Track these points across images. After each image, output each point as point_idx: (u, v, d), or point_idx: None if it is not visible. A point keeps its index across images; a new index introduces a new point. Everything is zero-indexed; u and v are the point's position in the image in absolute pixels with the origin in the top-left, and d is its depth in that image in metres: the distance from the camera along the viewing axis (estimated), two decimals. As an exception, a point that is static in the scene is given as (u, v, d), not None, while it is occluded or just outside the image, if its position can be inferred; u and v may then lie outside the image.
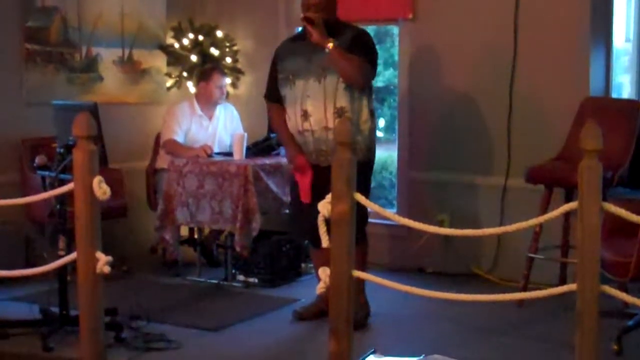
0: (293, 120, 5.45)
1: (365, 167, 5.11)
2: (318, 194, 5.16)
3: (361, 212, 4.78)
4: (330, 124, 5.30)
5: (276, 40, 6.64)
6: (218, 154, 6.91)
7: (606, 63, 6.52)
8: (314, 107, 5.36)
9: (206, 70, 7.25)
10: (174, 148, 6.93)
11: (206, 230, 7.06)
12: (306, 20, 5.32)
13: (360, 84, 5.34)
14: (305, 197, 5.50)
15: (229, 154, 6.75)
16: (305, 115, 5.38)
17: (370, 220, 5.56)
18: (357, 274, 3.89)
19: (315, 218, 3.87)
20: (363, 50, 5.35)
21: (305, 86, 5.38)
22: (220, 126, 7.21)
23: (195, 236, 7.12)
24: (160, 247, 6.92)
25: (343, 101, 5.33)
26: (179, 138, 7.00)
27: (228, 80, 7.41)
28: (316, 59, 5.35)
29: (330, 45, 5.22)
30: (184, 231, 7.08)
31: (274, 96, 5.61)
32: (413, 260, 6.97)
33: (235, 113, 7.39)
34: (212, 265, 7.05)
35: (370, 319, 5.57)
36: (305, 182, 5.51)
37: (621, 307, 5.30)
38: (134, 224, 7.23)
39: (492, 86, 6.66)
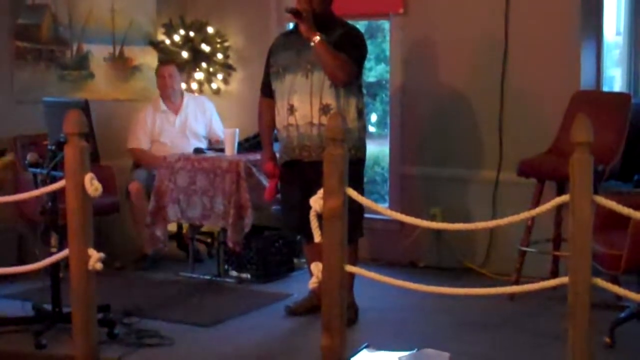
0: (281, 114, 5.45)
1: (354, 166, 4.84)
2: (303, 188, 5.19)
3: (356, 214, 4.78)
4: (315, 120, 5.32)
5: (267, 37, 6.65)
6: (210, 149, 6.92)
7: (597, 56, 6.53)
8: (300, 102, 5.36)
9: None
10: (140, 157, 7.17)
11: (185, 227, 7.10)
12: (292, 13, 5.31)
13: (341, 81, 5.29)
14: (269, 196, 5.78)
15: (221, 149, 6.75)
16: (291, 109, 5.39)
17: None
18: (350, 268, 3.89)
19: (307, 213, 3.87)
20: (350, 47, 5.33)
21: (293, 81, 5.38)
22: (190, 118, 7.28)
23: (185, 231, 7.16)
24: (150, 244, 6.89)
25: (329, 98, 5.32)
26: (144, 145, 7.18)
27: (174, 71, 7.31)
28: (305, 53, 5.34)
29: (317, 39, 5.22)
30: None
31: (266, 90, 5.62)
32: (405, 255, 6.97)
33: (209, 104, 7.47)
34: (195, 260, 6.96)
35: (358, 316, 5.56)
36: (271, 183, 5.76)
37: (613, 300, 5.31)
38: (125, 221, 7.21)
39: (484, 80, 6.66)
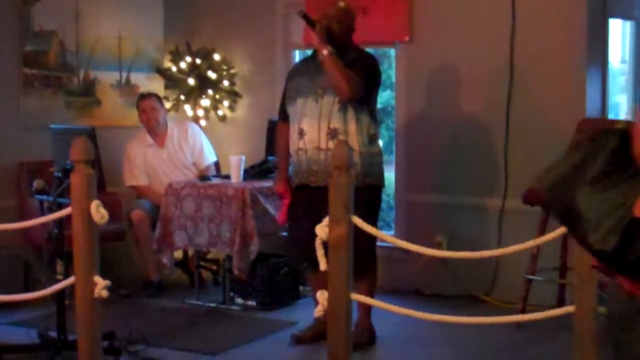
0: (293, 138, 5.48)
1: (364, 192, 4.93)
2: (310, 214, 5.18)
3: (366, 243, 4.78)
4: (323, 145, 5.32)
5: (273, 64, 6.67)
6: (216, 176, 6.93)
7: (602, 84, 6.54)
8: (309, 126, 5.38)
9: None
10: (144, 193, 7.10)
11: (190, 252, 7.10)
12: (305, 19, 5.35)
13: (346, 95, 5.27)
14: (281, 219, 5.81)
15: (227, 176, 6.76)
16: (301, 133, 5.41)
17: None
18: (355, 297, 3.89)
19: (313, 240, 3.87)
20: (360, 68, 5.34)
21: (304, 104, 5.40)
22: (176, 149, 7.20)
23: (190, 257, 7.16)
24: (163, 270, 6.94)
25: (337, 122, 5.33)
26: (142, 180, 7.12)
27: (158, 104, 7.21)
28: (318, 79, 5.36)
29: (326, 51, 5.24)
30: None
31: (283, 115, 5.66)
32: (410, 283, 6.95)
33: (193, 129, 7.35)
34: (200, 287, 6.96)
35: (375, 340, 5.55)
36: (283, 206, 5.77)
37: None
38: (131, 248, 7.21)
39: (489, 107, 6.67)
